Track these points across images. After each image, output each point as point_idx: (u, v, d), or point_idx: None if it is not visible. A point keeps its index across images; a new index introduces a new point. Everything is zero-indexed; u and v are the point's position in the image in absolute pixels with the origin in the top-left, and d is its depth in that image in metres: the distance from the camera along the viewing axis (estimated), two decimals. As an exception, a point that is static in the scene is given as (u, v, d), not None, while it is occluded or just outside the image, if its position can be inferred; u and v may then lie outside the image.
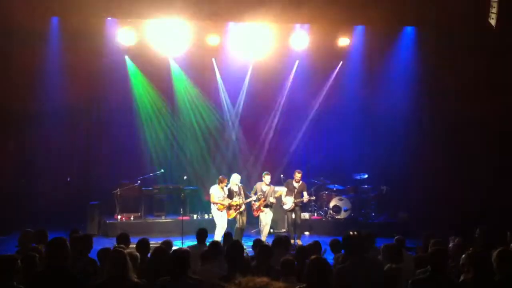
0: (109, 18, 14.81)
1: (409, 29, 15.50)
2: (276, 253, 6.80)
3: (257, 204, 12.62)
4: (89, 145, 15.55)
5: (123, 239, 7.78)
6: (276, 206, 13.17)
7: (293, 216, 12.98)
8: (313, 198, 13.81)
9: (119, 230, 10.68)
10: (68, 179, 14.76)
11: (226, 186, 12.56)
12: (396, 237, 8.09)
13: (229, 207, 12.32)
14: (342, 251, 7.01)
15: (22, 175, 14.35)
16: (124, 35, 14.83)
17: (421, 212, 14.40)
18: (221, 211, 12.26)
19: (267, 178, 12.78)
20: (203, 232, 8.62)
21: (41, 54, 14.54)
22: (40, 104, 14.72)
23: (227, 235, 9.04)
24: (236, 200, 12.30)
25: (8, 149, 14.18)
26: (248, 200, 12.53)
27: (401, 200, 15.18)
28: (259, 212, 12.71)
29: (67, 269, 5.13)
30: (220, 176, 12.68)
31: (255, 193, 12.65)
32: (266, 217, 12.74)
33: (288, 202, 13.00)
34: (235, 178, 12.61)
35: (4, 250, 8.20)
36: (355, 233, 5.21)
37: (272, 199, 12.63)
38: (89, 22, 14.18)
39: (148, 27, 14.88)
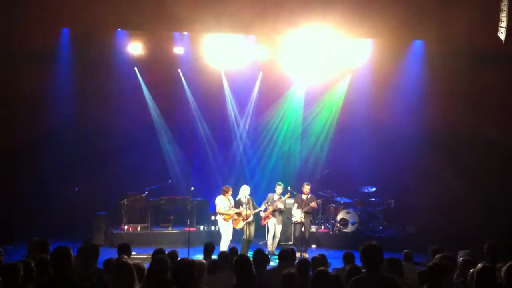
0: (119, 30, 14.93)
1: (417, 43, 15.48)
2: (282, 267, 6.78)
3: (266, 212, 12.69)
4: (96, 155, 15.59)
5: (124, 249, 7.78)
6: (284, 219, 13.17)
7: (302, 229, 12.96)
8: (320, 201, 13.75)
9: (125, 241, 10.70)
10: (76, 189, 14.76)
11: (234, 197, 12.58)
12: (404, 251, 8.06)
13: (238, 215, 12.31)
14: (358, 263, 6.97)
15: (31, 186, 14.38)
16: (133, 46, 14.98)
17: (428, 226, 14.29)
18: (227, 221, 12.25)
19: (279, 189, 12.86)
20: (210, 247, 8.59)
21: (50, 65, 14.66)
22: (49, 115, 14.81)
23: (233, 249, 9.02)
24: (243, 210, 12.30)
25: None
26: (256, 210, 12.54)
27: (408, 214, 15.08)
28: (267, 220, 12.76)
29: (70, 278, 5.12)
30: (224, 186, 12.70)
31: (267, 203, 12.71)
32: (275, 228, 12.76)
33: (297, 215, 13.00)
34: (245, 190, 12.62)
35: (12, 260, 8.18)
36: (375, 245, 5.15)
37: (280, 205, 12.69)
38: (99, 33, 14.32)
39: (158, 39, 15.01)
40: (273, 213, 12.77)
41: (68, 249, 5.22)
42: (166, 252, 7.79)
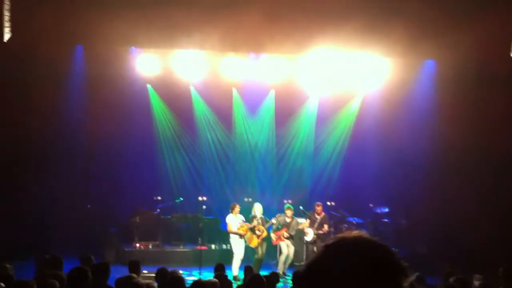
0: (132, 47, 15.06)
1: (429, 63, 15.46)
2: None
3: (278, 233, 12.64)
4: (109, 172, 15.64)
5: (134, 266, 7.81)
6: (296, 238, 13.13)
7: (315, 248, 12.89)
8: (332, 229, 13.76)
9: (136, 258, 10.63)
10: (88, 206, 14.82)
11: (244, 214, 12.60)
12: (416, 274, 7.98)
13: (252, 231, 12.30)
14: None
15: (43, 203, 14.42)
16: (146, 64, 15.08)
17: (440, 247, 14.16)
18: (243, 237, 12.23)
19: (288, 213, 12.79)
20: (220, 267, 8.62)
21: (64, 82, 14.79)
22: (62, 132, 14.89)
23: (247, 268, 9.02)
24: (255, 223, 12.30)
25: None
26: (269, 224, 12.52)
27: (421, 234, 14.95)
28: (279, 241, 12.70)
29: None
30: (232, 204, 12.75)
31: (279, 217, 12.68)
32: (287, 250, 12.68)
33: (310, 234, 12.97)
34: (257, 208, 12.64)
35: (22, 276, 8.23)
36: None
37: (293, 232, 12.66)
38: (113, 50, 14.46)
39: (171, 57, 15.12)
40: (287, 238, 12.73)
41: (86, 271, 5.24)
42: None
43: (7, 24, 12.66)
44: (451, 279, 6.83)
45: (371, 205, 15.52)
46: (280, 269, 12.45)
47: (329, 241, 1.57)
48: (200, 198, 14.54)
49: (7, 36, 12.82)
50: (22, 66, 13.50)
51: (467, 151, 14.43)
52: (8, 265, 7.24)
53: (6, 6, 12.60)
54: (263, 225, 12.49)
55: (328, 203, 15.12)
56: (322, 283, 1.48)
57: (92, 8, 12.76)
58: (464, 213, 14.16)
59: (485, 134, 13.99)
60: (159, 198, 15.27)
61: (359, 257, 1.48)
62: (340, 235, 1.58)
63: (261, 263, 12.44)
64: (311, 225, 13.03)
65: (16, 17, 12.79)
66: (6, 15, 12.58)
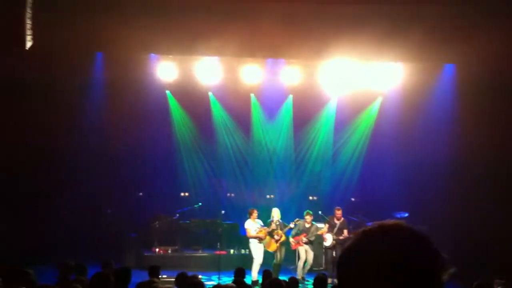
0: (151, 54, 15.19)
1: (449, 67, 15.35)
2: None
3: (297, 238, 12.62)
4: (128, 177, 15.75)
5: (155, 271, 7.89)
6: (315, 243, 13.11)
7: (334, 253, 12.85)
8: (352, 235, 13.70)
9: (156, 263, 10.73)
10: (109, 211, 14.95)
11: (263, 219, 12.60)
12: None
13: (270, 235, 12.31)
14: None
15: (63, 207, 14.57)
16: (165, 70, 15.18)
17: (461, 253, 13.98)
18: (264, 240, 12.25)
19: (308, 218, 12.79)
20: (241, 271, 8.65)
21: (85, 89, 14.96)
22: (82, 135, 15.05)
23: (266, 272, 9.04)
24: (274, 226, 12.31)
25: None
26: (287, 228, 12.52)
27: (440, 241, 14.75)
28: (297, 246, 12.70)
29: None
30: (249, 209, 12.78)
31: (297, 221, 12.68)
32: (306, 255, 12.67)
33: (329, 239, 12.91)
34: (275, 212, 12.66)
35: (42, 280, 8.30)
36: None
37: (312, 237, 12.64)
38: (132, 57, 14.60)
39: (189, 63, 15.21)
40: (305, 243, 12.73)
41: (108, 275, 5.30)
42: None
43: (28, 32, 12.84)
44: (473, 284, 6.77)
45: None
46: (299, 274, 12.42)
47: (367, 227, 1.57)
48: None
49: (29, 44, 13.00)
50: (43, 73, 13.66)
51: (487, 156, 14.27)
52: (31, 270, 7.31)
53: (28, 14, 12.77)
54: (281, 229, 12.50)
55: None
56: (357, 267, 1.48)
57: (112, 16, 12.87)
58: (483, 218, 14.00)
59: (506, 139, 13.83)
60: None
61: (396, 242, 1.47)
62: (378, 222, 1.58)
63: (279, 267, 12.45)
64: (330, 230, 12.97)
65: (37, 25, 12.95)
66: (28, 23, 12.75)
